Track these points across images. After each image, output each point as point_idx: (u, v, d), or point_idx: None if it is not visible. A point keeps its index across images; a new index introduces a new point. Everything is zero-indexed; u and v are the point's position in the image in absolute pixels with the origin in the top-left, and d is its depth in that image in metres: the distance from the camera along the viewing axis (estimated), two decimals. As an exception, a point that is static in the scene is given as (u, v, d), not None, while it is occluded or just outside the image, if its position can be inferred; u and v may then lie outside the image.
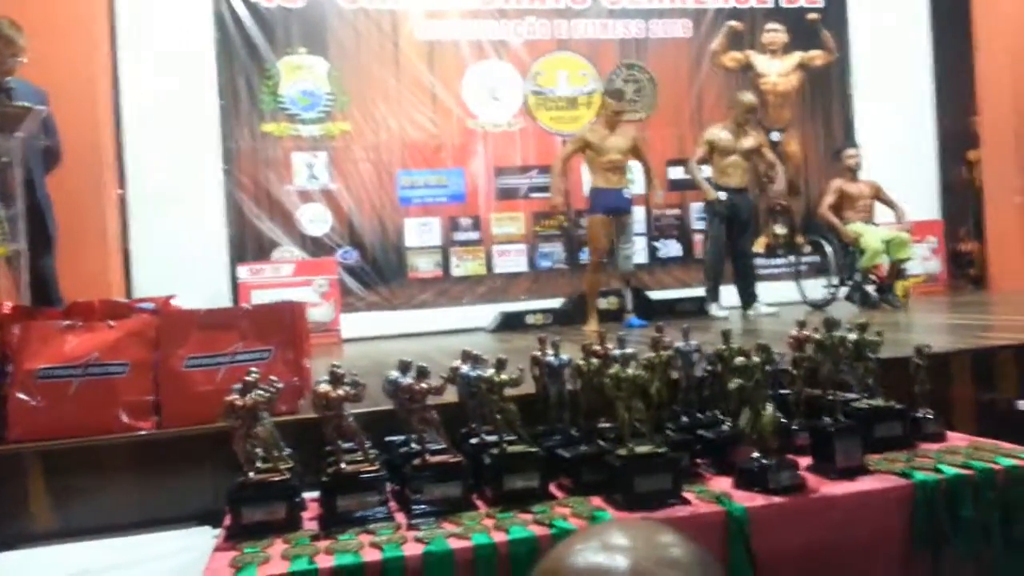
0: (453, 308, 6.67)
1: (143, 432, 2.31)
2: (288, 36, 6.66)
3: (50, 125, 3.93)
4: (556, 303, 6.44)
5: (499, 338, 5.54)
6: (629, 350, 2.16)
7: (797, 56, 6.63)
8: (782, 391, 2.25)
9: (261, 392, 2.04)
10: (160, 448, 2.29)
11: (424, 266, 6.81)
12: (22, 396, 2.31)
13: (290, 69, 6.65)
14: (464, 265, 6.87)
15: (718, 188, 5.76)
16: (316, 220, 6.63)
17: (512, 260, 6.94)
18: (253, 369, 2.18)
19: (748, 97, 5.82)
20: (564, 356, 2.25)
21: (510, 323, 6.16)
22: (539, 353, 2.31)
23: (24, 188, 3.35)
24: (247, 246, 6.41)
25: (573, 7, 7.17)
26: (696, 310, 5.86)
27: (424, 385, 2.03)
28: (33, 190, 3.64)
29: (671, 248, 7.25)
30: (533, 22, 7.11)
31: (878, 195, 6.11)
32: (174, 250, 6.00)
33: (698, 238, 7.03)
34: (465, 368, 2.22)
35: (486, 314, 6.41)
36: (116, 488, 2.25)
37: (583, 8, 7.19)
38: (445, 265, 6.84)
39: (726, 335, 2.28)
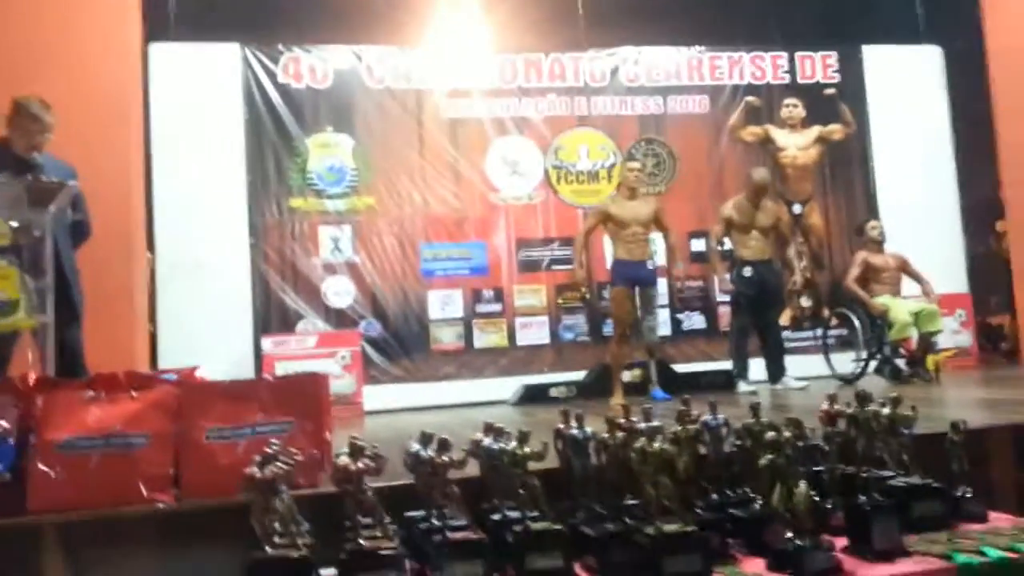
0: (475, 380, 6.65)
1: (162, 505, 2.28)
2: (316, 115, 6.85)
3: (79, 200, 4.02)
4: (580, 376, 6.38)
5: (522, 411, 5.48)
6: (655, 423, 2.12)
7: (816, 130, 6.69)
8: (815, 467, 2.18)
9: (280, 465, 2.02)
10: (179, 521, 2.25)
11: (447, 338, 6.81)
12: (43, 468, 2.30)
13: (318, 146, 6.82)
14: (486, 337, 6.87)
15: (742, 262, 5.75)
16: (340, 292, 6.69)
17: (535, 332, 6.93)
18: (273, 441, 2.16)
19: (758, 176, 5.85)
20: (588, 430, 2.20)
21: (533, 396, 6.09)
22: (563, 426, 2.27)
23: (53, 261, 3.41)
24: (272, 318, 6.47)
25: (592, 84, 7.35)
26: (722, 383, 5.76)
27: (445, 458, 2.00)
28: (60, 262, 3.71)
29: (695, 320, 7.22)
30: (554, 99, 7.28)
31: (904, 268, 6.06)
32: (200, 321, 6.08)
33: (722, 310, 7.00)
34: (487, 441, 2.18)
35: (509, 387, 6.36)
36: (134, 561, 2.21)
37: (602, 86, 7.36)
38: (468, 337, 6.84)
39: (755, 409, 2.24)
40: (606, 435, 2.12)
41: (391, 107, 6.98)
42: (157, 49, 6.43)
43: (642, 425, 2.12)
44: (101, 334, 4.34)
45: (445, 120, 7.06)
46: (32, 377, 2.59)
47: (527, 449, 2.00)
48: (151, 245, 6.09)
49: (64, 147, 4.02)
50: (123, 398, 2.45)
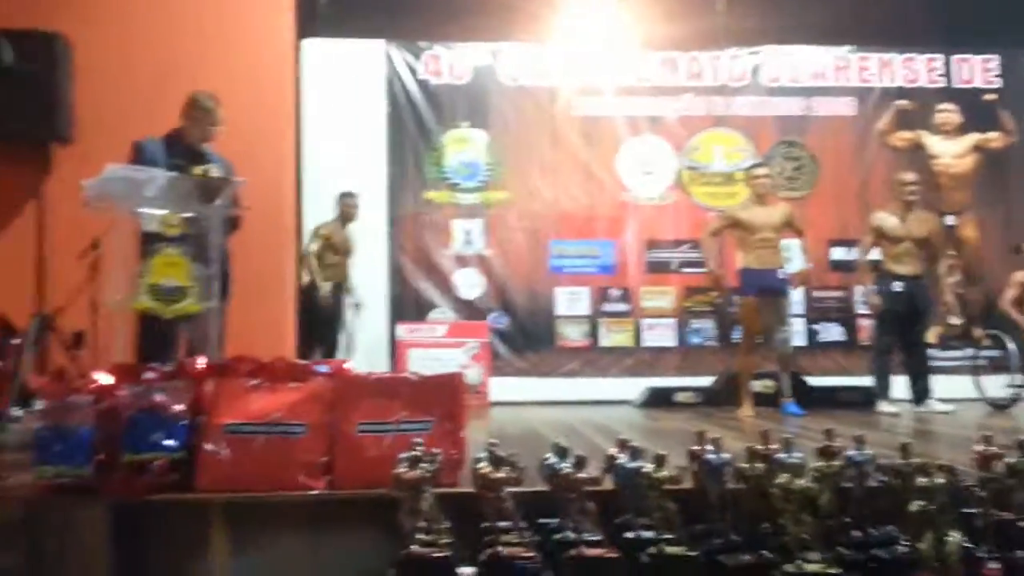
0: (600, 379, 6.68)
1: (316, 491, 2.44)
2: (453, 111, 7.04)
3: (235, 195, 4.31)
4: (706, 382, 6.27)
5: (647, 414, 5.46)
6: (796, 454, 2.10)
7: (973, 137, 6.25)
8: (965, 510, 2.10)
9: (426, 466, 2.13)
10: (331, 508, 2.41)
11: (573, 335, 6.87)
12: (212, 448, 2.51)
13: (454, 141, 7.01)
14: (612, 336, 6.88)
15: (891, 276, 5.49)
16: (470, 284, 6.87)
17: (661, 334, 6.89)
18: (418, 440, 2.28)
19: (906, 175, 5.57)
20: (725, 455, 2.20)
21: (658, 399, 6.04)
22: (697, 448, 2.28)
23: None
24: (405, 305, 6.71)
25: (731, 84, 7.18)
26: (861, 400, 5.54)
27: (583, 475, 2.05)
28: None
29: (832, 332, 6.96)
30: (690, 98, 7.16)
31: (1067, 293, 5.63)
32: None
33: (862, 323, 6.72)
34: (623, 459, 2.22)
35: (633, 387, 6.34)
36: (288, 544, 2.38)
37: (741, 85, 7.17)
38: (593, 335, 6.88)
39: (905, 449, 2.16)
40: (745, 465, 2.11)
41: (526, 104, 7.07)
42: (309, 44, 6.75)
43: (782, 456, 2.10)
44: (254, 318, 4.65)
45: (578, 117, 7.09)
46: (202, 362, 2.82)
47: (664, 472, 2.02)
48: (299, 232, 6.44)
49: (224, 139, 4.31)
50: (283, 388, 2.64)
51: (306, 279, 6.17)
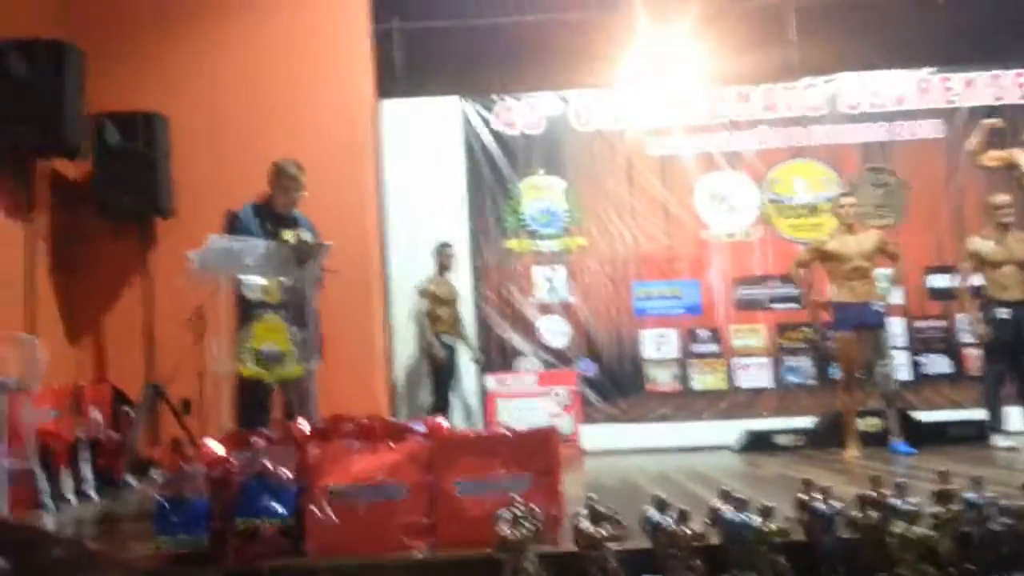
0: (693, 423, 6.54)
1: (420, 553, 2.47)
2: (528, 159, 7.13)
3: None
4: (807, 422, 6.00)
5: (747, 460, 5.30)
6: (911, 499, 2.02)
7: (1071, 151, 5.96)
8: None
9: (528, 527, 2.13)
10: (435, 570, 2.43)
11: (662, 379, 6.78)
12: (318, 513, 2.58)
13: (530, 189, 7.10)
14: (703, 379, 6.75)
15: (996, 303, 5.25)
16: (555, 332, 6.88)
17: (755, 374, 6.71)
18: (518, 499, 2.29)
19: (997, 198, 5.35)
20: (836, 503, 2.14)
21: (758, 443, 5.80)
22: (805, 496, 2.22)
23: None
24: (493, 355, 6.76)
25: (809, 115, 7.05)
26: (974, 435, 5.27)
27: (687, 530, 2.02)
28: None
29: (938, 364, 6.64)
30: (766, 131, 7.07)
31: None
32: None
33: (968, 352, 6.41)
34: (727, 512, 2.18)
35: (728, 431, 6.15)
36: (395, 605, 2.41)
37: (820, 114, 7.04)
38: (684, 378, 6.77)
39: (1029, 491, 2.05)
40: (857, 513, 2.04)
41: (599, 148, 7.11)
42: (388, 105, 6.99)
43: (897, 502, 2.02)
44: (345, 376, 4.77)
45: (653, 157, 7.08)
46: (306, 426, 2.91)
47: (773, 525, 1.97)
48: (386, 289, 6.61)
49: (310, 202, 4.46)
50: (382, 449, 2.70)
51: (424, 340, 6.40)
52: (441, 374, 6.39)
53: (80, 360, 5.40)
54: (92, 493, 4.04)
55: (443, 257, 6.53)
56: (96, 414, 4.32)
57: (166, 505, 2.43)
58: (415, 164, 6.96)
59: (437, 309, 6.39)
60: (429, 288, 6.42)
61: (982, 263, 5.33)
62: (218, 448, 2.61)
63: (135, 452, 4.52)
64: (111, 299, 5.58)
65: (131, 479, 4.42)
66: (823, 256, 5.35)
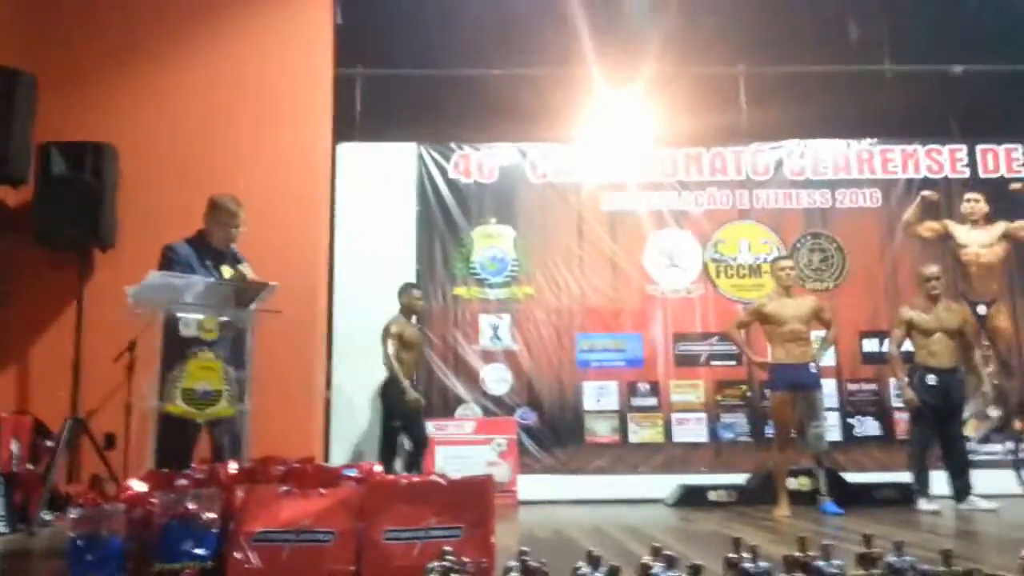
0: (630, 476, 6.53)
1: (343, 603, 2.40)
2: (481, 207, 7.18)
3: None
4: (740, 479, 6.14)
5: (680, 514, 5.33)
6: (835, 562, 2.04)
7: (1002, 226, 6.28)
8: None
9: (456, 577, 2.09)
10: (358, 621, 2.37)
11: (601, 430, 6.78)
12: (239, 557, 2.50)
13: (481, 237, 7.13)
14: (642, 432, 6.78)
15: (925, 369, 5.42)
16: (498, 380, 6.85)
17: (692, 429, 6.76)
18: (447, 549, 2.25)
19: (928, 269, 5.58)
20: (763, 563, 2.15)
21: (691, 498, 5.88)
22: (734, 556, 2.22)
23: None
24: (435, 401, 6.70)
25: (755, 178, 7.27)
26: (899, 498, 5.39)
27: (617, 586, 2.01)
28: None
29: (868, 426, 6.79)
30: (714, 192, 7.25)
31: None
32: (369, 401, 6.39)
33: (898, 416, 6.58)
34: (657, 568, 2.17)
35: (664, 484, 6.21)
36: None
37: (765, 179, 7.26)
38: (623, 430, 6.79)
39: (948, 556, 2.09)
40: (784, 575, 2.06)
41: (552, 200, 7.20)
42: (344, 148, 7.00)
43: (822, 564, 2.05)
44: (281, 417, 4.67)
45: (604, 213, 7.19)
46: (233, 468, 2.83)
47: (701, 583, 1.97)
48: (330, 329, 6.51)
49: (260, 240, 4.39)
50: (313, 494, 2.64)
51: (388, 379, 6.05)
52: (413, 415, 6.04)
53: (2, 389, 5.20)
54: (3, 528, 3.86)
55: (410, 299, 6.25)
56: (14, 446, 4.15)
57: (80, 544, 2.33)
58: (368, 207, 6.95)
59: (402, 353, 6.07)
60: (393, 330, 6.07)
61: (913, 330, 5.51)
62: (140, 487, 2.52)
63: (53, 487, 4.33)
64: (41, 329, 5.40)
65: (47, 515, 4.23)
66: (761, 318, 5.48)
